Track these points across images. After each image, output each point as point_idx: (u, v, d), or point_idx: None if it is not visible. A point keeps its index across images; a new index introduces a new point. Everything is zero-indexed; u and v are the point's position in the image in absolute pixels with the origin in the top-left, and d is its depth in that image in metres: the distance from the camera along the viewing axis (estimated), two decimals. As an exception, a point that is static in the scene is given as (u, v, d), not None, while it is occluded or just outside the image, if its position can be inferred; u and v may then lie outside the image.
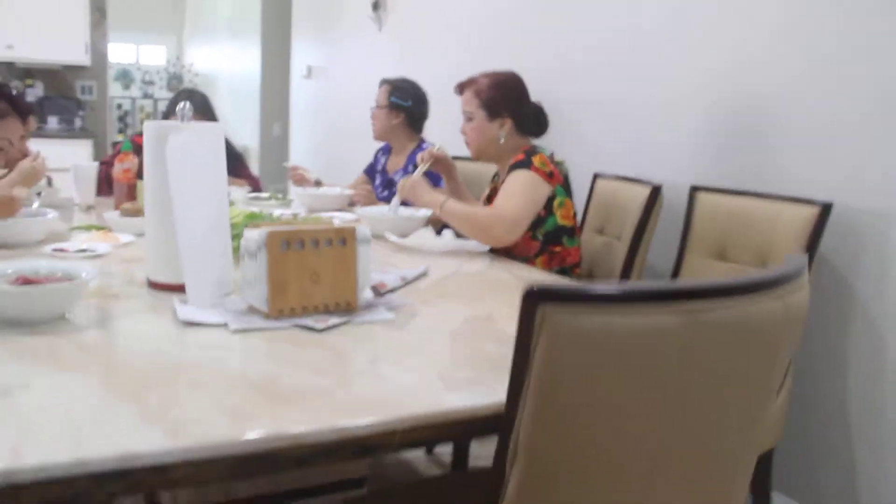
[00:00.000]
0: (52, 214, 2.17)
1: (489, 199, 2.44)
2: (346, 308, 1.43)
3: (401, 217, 2.44)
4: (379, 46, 4.62)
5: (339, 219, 2.37)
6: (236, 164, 3.60)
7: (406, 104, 3.17)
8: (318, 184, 3.29)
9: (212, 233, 1.51)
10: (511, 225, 2.18)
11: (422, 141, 3.20)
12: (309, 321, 1.36)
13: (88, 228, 2.25)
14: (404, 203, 2.49)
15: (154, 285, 1.59)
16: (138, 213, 2.21)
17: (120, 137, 8.34)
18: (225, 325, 1.34)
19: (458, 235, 2.28)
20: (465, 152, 2.48)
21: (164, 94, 9.71)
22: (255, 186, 3.51)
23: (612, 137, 2.86)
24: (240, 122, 7.69)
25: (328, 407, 1.02)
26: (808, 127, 2.14)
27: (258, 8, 7.28)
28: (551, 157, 2.28)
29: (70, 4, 6.22)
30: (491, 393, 1.05)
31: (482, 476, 1.04)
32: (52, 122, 6.42)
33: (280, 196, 3.30)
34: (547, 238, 2.27)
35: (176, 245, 1.47)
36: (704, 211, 2.28)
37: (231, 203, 2.48)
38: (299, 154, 5.90)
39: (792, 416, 2.12)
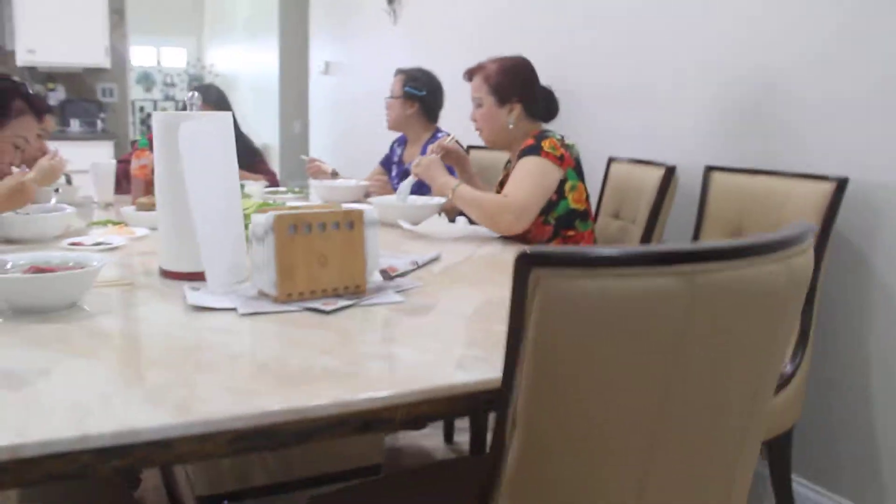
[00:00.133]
0: (69, 210, 2.19)
1: (502, 186, 2.44)
2: (355, 291, 1.44)
3: (414, 205, 2.44)
4: (394, 40, 4.62)
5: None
6: (255, 159, 3.62)
7: (420, 93, 3.15)
8: (334, 175, 3.29)
9: (226, 220, 1.52)
10: (519, 213, 2.16)
11: (437, 130, 3.18)
12: (318, 304, 1.37)
13: (105, 223, 2.27)
14: (416, 190, 2.49)
15: (166, 274, 1.61)
16: (153, 207, 2.23)
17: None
18: (234, 310, 1.35)
19: (471, 223, 2.27)
20: (481, 142, 2.47)
21: (185, 96, 9.77)
22: (273, 182, 3.52)
23: (625, 121, 2.84)
24: (260, 120, 7.75)
25: (335, 385, 1.02)
26: (822, 102, 2.11)
27: (276, 6, 7.33)
28: (561, 140, 2.26)
29: (89, 7, 6.30)
30: (496, 370, 1.04)
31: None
32: (74, 124, 6.51)
33: (297, 189, 3.32)
34: (559, 222, 2.26)
35: (188, 234, 1.48)
36: (719, 191, 2.25)
37: (247, 196, 2.50)
38: (319, 150, 5.92)
39: (810, 396, 2.09)
